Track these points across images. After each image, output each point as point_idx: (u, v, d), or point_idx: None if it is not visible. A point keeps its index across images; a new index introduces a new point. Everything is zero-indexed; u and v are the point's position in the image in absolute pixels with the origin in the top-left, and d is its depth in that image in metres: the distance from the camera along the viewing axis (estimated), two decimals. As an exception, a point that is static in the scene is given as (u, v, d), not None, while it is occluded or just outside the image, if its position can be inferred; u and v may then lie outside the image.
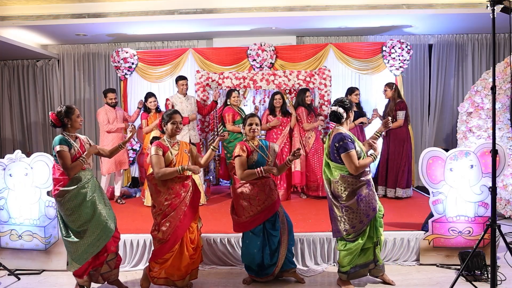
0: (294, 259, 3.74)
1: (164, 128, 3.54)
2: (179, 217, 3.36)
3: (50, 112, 3.39)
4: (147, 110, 5.84)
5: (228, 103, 5.90)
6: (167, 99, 5.86)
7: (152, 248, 3.51)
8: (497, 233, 3.10)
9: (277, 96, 5.79)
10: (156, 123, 5.60)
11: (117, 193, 5.81)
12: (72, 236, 3.29)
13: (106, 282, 3.51)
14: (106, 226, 3.33)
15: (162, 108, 6.07)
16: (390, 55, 6.41)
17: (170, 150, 3.45)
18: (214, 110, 6.47)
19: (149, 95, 5.87)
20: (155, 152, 3.37)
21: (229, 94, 5.92)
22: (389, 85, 5.84)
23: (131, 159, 6.48)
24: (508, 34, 6.84)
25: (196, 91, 6.29)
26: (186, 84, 5.79)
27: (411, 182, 5.93)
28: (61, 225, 3.34)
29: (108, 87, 7.06)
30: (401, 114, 5.69)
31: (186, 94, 5.85)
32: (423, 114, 7.34)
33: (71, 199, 3.25)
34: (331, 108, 3.44)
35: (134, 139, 6.45)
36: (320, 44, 6.83)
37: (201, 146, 6.12)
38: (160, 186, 3.38)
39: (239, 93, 5.93)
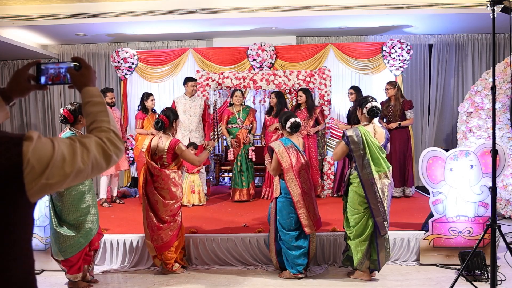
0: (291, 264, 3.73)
1: (174, 125, 3.94)
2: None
3: (62, 109, 3.57)
4: (144, 109, 5.83)
5: (231, 102, 5.92)
6: (173, 101, 5.87)
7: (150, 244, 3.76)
8: (497, 233, 3.09)
9: (272, 95, 5.83)
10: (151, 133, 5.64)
11: (114, 193, 5.81)
12: (64, 228, 3.39)
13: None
14: (93, 226, 3.48)
15: (158, 110, 6.10)
16: (390, 55, 6.41)
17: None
18: (214, 110, 6.48)
19: (149, 94, 5.91)
20: (185, 147, 3.85)
21: (232, 94, 5.94)
22: (391, 83, 5.84)
23: (130, 159, 6.48)
24: (508, 34, 6.83)
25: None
26: (194, 86, 5.77)
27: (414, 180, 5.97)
28: (53, 216, 3.42)
29: (107, 87, 6.98)
30: (409, 114, 5.75)
31: (195, 95, 5.84)
32: (423, 114, 7.34)
33: (71, 193, 3.36)
34: (374, 104, 3.53)
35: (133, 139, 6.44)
36: (320, 44, 6.83)
37: (204, 148, 6.10)
38: (179, 180, 3.85)
39: (241, 92, 5.91)
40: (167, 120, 3.82)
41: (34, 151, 1.02)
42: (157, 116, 3.92)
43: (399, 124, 5.69)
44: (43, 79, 1.33)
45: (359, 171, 3.46)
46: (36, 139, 1.04)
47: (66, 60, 1.36)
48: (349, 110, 6.03)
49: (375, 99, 3.59)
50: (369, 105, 3.50)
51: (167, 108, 4.02)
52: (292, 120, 3.70)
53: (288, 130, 3.72)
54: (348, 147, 3.46)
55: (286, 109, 5.74)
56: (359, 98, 5.79)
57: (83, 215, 3.41)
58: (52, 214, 3.44)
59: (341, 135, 3.58)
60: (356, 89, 5.86)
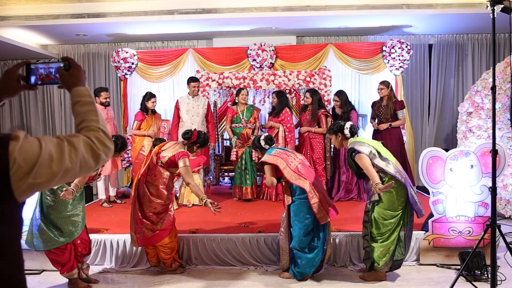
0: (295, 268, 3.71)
1: (195, 147, 3.90)
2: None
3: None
4: (145, 109, 5.80)
5: (236, 101, 5.90)
6: (177, 100, 5.85)
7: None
8: (497, 233, 3.10)
9: (273, 95, 5.80)
10: (144, 133, 5.76)
11: (112, 193, 5.79)
12: (46, 223, 3.43)
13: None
14: (74, 229, 3.49)
15: (158, 110, 6.10)
16: (390, 55, 6.41)
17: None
18: (214, 110, 6.47)
19: (152, 95, 5.83)
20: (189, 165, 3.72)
21: (238, 92, 5.90)
22: (384, 83, 5.79)
23: (131, 159, 6.47)
24: (508, 34, 6.83)
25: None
26: (197, 86, 5.77)
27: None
28: (39, 208, 3.46)
29: (101, 86, 6.79)
30: (401, 114, 5.70)
31: (198, 95, 5.84)
32: (423, 114, 7.34)
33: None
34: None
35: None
36: (320, 44, 6.84)
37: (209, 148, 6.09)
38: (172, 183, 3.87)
39: (247, 92, 5.92)
40: (195, 137, 3.81)
41: (20, 150, 1.02)
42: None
43: (390, 125, 5.68)
44: (33, 79, 1.33)
45: (385, 168, 3.43)
46: (22, 138, 1.04)
47: (56, 60, 1.37)
48: (333, 110, 5.98)
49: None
50: (347, 124, 3.62)
51: (205, 133, 3.99)
52: (263, 137, 3.80)
53: (266, 146, 3.78)
54: (364, 154, 3.44)
55: (287, 108, 5.73)
56: (345, 100, 5.79)
57: (65, 218, 3.43)
58: (37, 204, 3.47)
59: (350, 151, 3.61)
60: (341, 94, 5.81)
